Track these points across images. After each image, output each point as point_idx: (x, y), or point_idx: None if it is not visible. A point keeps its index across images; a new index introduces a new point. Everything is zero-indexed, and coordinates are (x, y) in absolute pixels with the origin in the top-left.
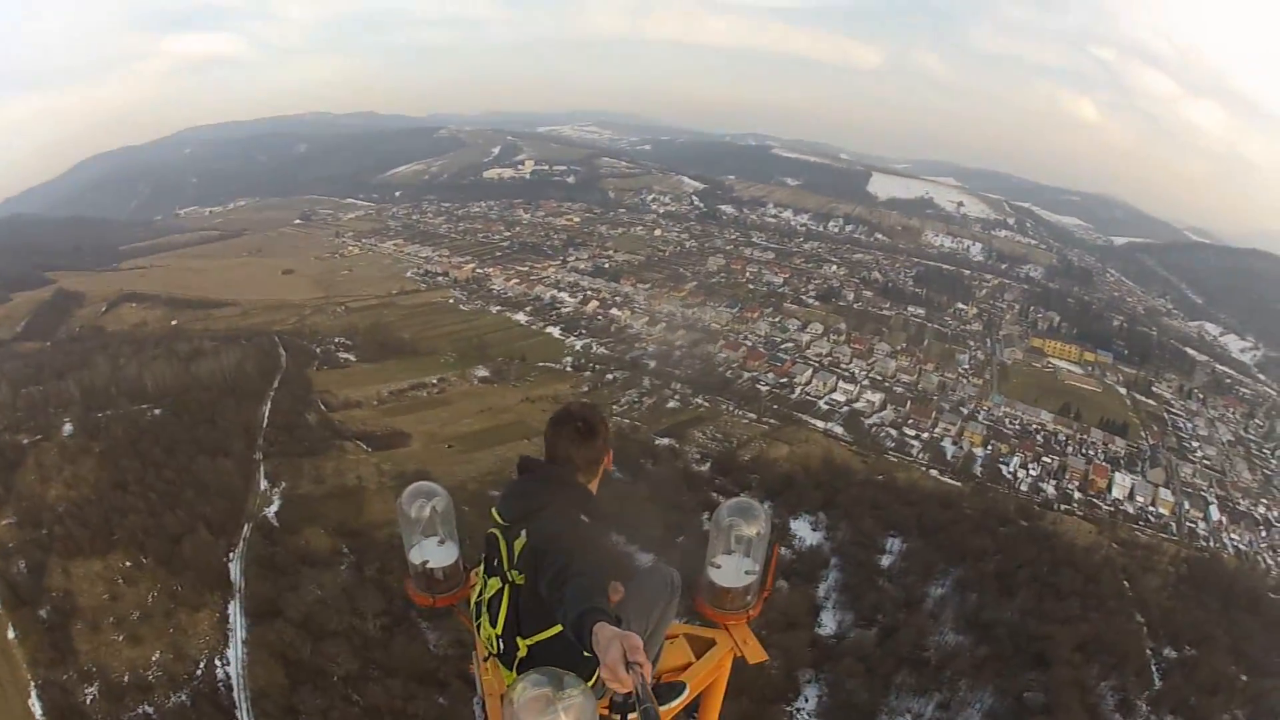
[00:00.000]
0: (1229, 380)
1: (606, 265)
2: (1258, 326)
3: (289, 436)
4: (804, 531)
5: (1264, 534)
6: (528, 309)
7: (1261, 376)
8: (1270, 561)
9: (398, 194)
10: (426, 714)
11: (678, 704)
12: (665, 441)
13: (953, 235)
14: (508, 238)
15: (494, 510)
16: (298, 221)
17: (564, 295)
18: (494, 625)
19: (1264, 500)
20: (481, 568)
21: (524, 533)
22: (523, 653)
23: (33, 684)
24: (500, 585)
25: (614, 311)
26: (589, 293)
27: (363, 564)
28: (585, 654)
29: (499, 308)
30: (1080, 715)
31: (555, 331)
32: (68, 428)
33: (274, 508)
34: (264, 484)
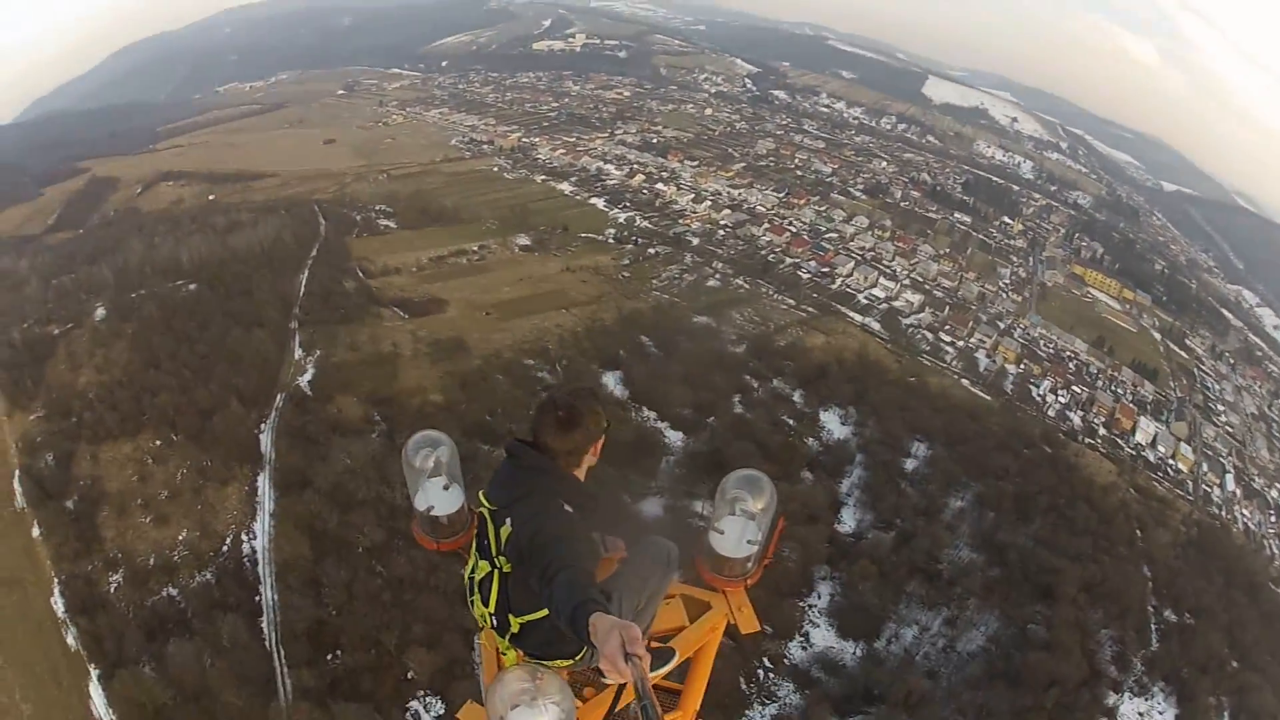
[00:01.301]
0: (1260, 353)
1: (655, 140)
2: None
3: (325, 305)
4: (833, 424)
5: (1274, 519)
6: (573, 179)
7: None
8: (1276, 549)
9: (444, 64)
10: (448, 586)
11: (663, 671)
12: (703, 320)
13: (1004, 149)
14: (555, 109)
15: (481, 494)
16: (341, 92)
17: (610, 167)
18: (486, 604)
19: (1279, 484)
20: (474, 544)
21: (508, 521)
22: (515, 629)
23: (55, 580)
24: (490, 569)
25: (659, 186)
26: (635, 166)
27: (394, 432)
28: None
29: (544, 177)
30: (1078, 659)
31: (599, 203)
32: (100, 312)
33: (307, 376)
34: (298, 353)
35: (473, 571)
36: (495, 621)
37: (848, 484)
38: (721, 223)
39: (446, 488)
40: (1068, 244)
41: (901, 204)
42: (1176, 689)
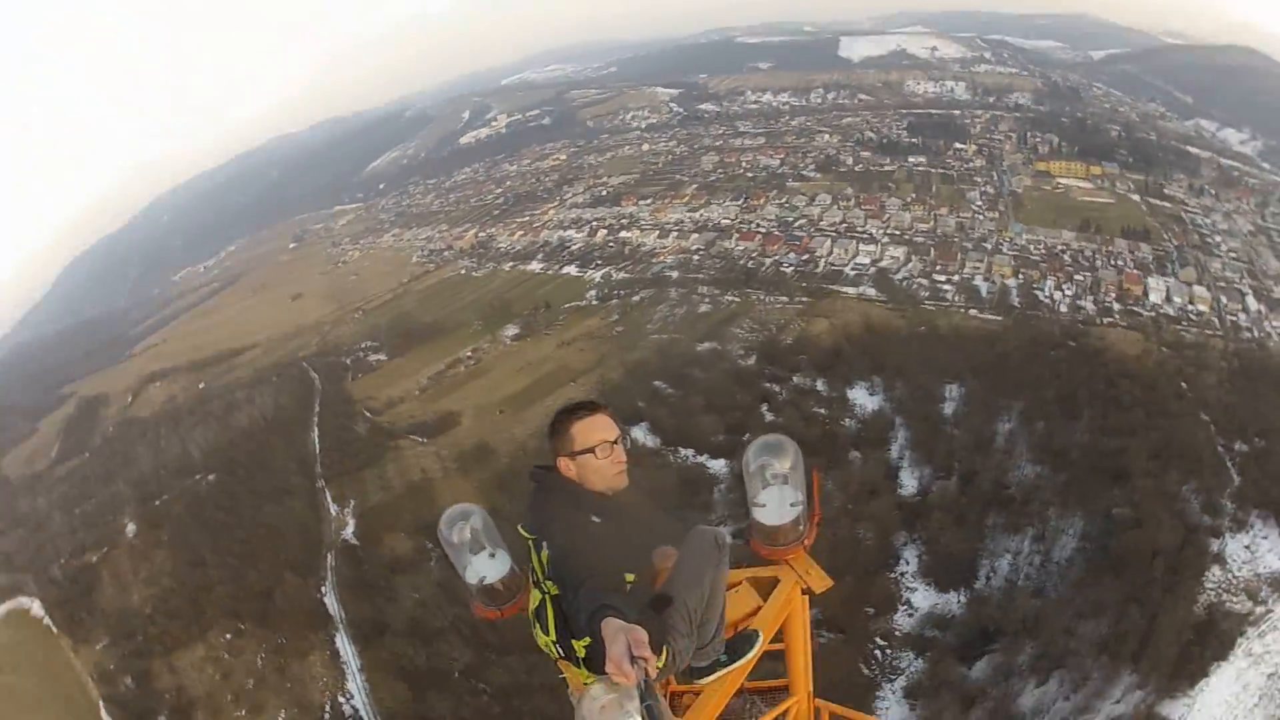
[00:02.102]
0: (1236, 172)
1: (604, 192)
2: (1251, 118)
3: (344, 454)
4: (862, 399)
5: None
6: (539, 257)
7: (1266, 165)
8: None
9: (382, 186)
10: (551, 680)
11: (754, 654)
12: (707, 346)
13: (934, 80)
14: (500, 194)
15: (520, 526)
16: (292, 245)
17: (571, 233)
18: (547, 633)
19: None
20: (529, 578)
21: (545, 544)
22: (581, 654)
23: None
24: (541, 596)
25: (624, 234)
26: (594, 224)
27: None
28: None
29: (511, 263)
30: (1170, 523)
31: (572, 270)
32: (130, 528)
33: (350, 528)
34: (334, 509)
35: (530, 605)
36: (561, 650)
37: (896, 448)
38: (693, 248)
39: (492, 555)
40: (1023, 146)
41: (856, 169)
42: (1272, 511)
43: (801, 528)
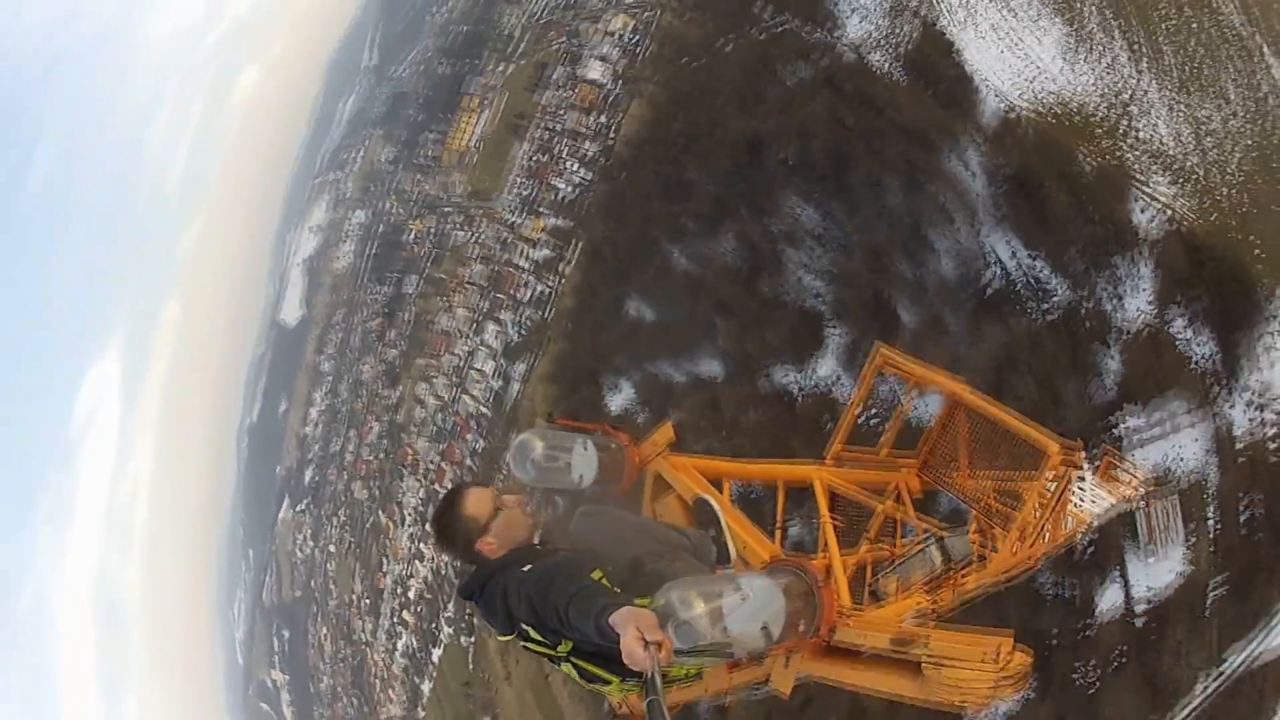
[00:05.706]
0: None
1: (366, 602)
2: None
3: None
4: (616, 400)
5: None
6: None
7: None
8: None
9: None
10: None
11: (721, 507)
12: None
13: (335, 246)
14: None
15: (496, 637)
16: None
17: (400, 657)
18: (608, 684)
19: None
20: (549, 664)
21: (522, 625)
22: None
23: None
24: (567, 661)
25: (405, 596)
26: (394, 625)
27: None
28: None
29: None
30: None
31: (434, 654)
32: None
33: None
34: None
35: (577, 680)
36: (636, 681)
37: (676, 369)
38: (429, 530)
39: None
40: (425, 162)
41: (396, 350)
42: None
43: (612, 445)
